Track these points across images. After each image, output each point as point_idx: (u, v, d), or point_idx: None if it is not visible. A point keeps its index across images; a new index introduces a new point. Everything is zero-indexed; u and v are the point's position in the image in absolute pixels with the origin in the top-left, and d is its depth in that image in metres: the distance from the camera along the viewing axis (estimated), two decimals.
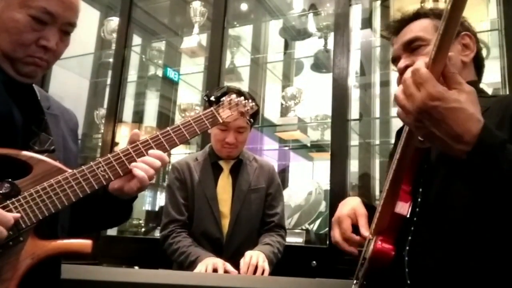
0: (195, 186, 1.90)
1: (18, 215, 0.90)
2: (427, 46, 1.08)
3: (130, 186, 1.04)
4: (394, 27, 1.17)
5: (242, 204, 1.88)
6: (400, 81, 1.09)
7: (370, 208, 1.11)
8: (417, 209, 0.93)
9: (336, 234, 1.08)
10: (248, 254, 1.69)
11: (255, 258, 1.67)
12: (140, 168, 1.02)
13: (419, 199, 0.94)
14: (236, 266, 1.68)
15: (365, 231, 1.02)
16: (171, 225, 1.86)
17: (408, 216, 0.87)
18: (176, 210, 1.88)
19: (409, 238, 0.93)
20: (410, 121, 0.77)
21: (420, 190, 0.94)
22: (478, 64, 1.12)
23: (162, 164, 1.05)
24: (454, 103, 0.72)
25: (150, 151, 1.05)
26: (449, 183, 0.92)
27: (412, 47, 1.10)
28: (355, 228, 1.06)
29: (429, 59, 0.75)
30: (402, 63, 1.11)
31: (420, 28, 1.11)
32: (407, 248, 0.92)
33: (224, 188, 1.90)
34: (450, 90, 0.74)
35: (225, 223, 1.86)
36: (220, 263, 1.66)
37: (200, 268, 1.64)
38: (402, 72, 1.10)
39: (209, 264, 1.64)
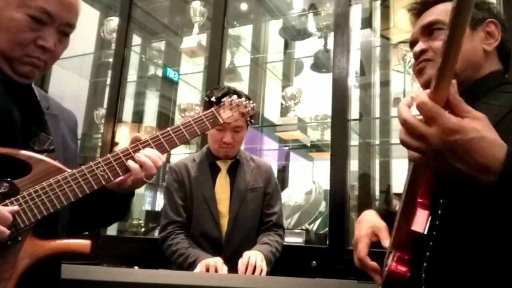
0: (193, 187, 1.90)
1: (16, 208, 0.90)
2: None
3: (126, 181, 1.04)
4: (416, 9, 1.09)
5: (240, 204, 1.88)
6: (418, 69, 1.04)
7: (389, 216, 1.08)
8: (437, 222, 0.87)
9: (355, 257, 1.06)
10: (246, 254, 1.69)
11: (253, 258, 1.67)
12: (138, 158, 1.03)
13: (439, 211, 0.87)
14: (235, 265, 1.68)
15: (386, 243, 1.00)
16: (169, 227, 1.86)
17: (425, 233, 0.81)
18: (175, 212, 1.88)
19: (427, 254, 0.87)
20: (428, 162, 0.69)
21: (441, 201, 0.87)
22: (503, 53, 1.04)
23: (156, 164, 1.05)
24: (473, 133, 0.66)
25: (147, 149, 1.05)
26: (474, 197, 0.84)
27: (431, 30, 1.03)
28: (379, 244, 1.04)
29: (432, 88, 0.68)
30: (417, 47, 1.04)
31: (442, 11, 1.02)
32: (425, 264, 0.86)
33: (222, 188, 1.90)
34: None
35: (224, 222, 1.86)
36: (220, 263, 1.66)
37: (199, 269, 1.64)
38: (417, 57, 1.05)
39: (210, 262, 1.65)
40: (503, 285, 0.79)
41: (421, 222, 0.81)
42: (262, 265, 1.67)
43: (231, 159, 1.94)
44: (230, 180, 1.92)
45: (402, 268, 0.85)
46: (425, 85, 1.02)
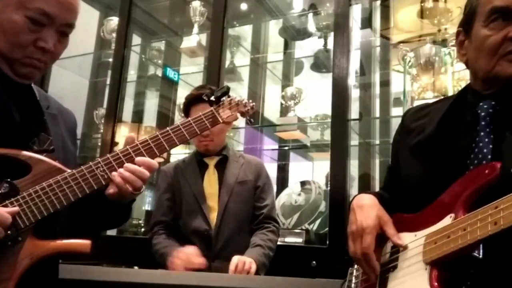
0: (182, 186, 1.93)
1: (16, 209, 0.90)
2: None
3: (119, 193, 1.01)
4: None
5: (230, 197, 1.89)
6: (500, 44, 0.91)
7: (384, 202, 1.03)
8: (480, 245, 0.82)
9: (358, 250, 0.97)
10: (236, 258, 1.67)
11: (241, 264, 1.65)
12: (120, 175, 1.00)
13: None
14: (227, 258, 1.70)
15: (397, 239, 0.94)
16: (155, 227, 1.91)
17: (481, 256, 0.77)
18: (160, 212, 1.94)
19: (471, 272, 0.82)
20: None
21: None
22: None
23: (149, 171, 1.02)
24: None
25: (137, 159, 1.02)
26: None
27: None
28: (380, 237, 0.98)
29: None
30: None
31: None
32: (468, 283, 0.82)
33: (210, 183, 1.92)
34: None
35: (213, 216, 1.87)
36: (193, 252, 1.66)
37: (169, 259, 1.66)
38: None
39: (180, 253, 1.66)
40: None
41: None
42: (252, 267, 1.66)
43: (218, 156, 1.96)
44: (218, 175, 1.93)
45: None
46: None
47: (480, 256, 0.77)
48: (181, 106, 2.17)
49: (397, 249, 0.96)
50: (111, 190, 1.01)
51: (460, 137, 0.97)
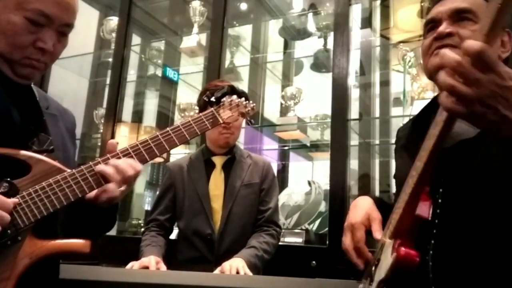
0: (186, 185, 1.89)
1: (16, 200, 0.90)
2: (475, 24, 1.00)
3: (100, 196, 1.01)
4: None
5: (235, 200, 1.85)
6: (429, 46, 1.04)
7: (383, 207, 1.07)
8: (438, 211, 0.90)
9: (347, 242, 1.03)
10: (227, 264, 1.64)
11: (234, 268, 1.62)
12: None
13: (439, 200, 0.90)
14: None
15: (378, 234, 0.99)
16: (148, 224, 1.93)
17: (430, 218, 0.82)
18: (157, 210, 1.93)
19: (432, 241, 0.89)
20: (474, 110, 0.66)
21: (441, 190, 0.90)
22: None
23: (133, 172, 1.01)
24: None
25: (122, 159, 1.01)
26: (476, 183, 0.87)
27: (461, 17, 1.02)
28: (369, 233, 1.02)
29: (485, 38, 0.67)
30: (446, 28, 1.02)
31: (475, 2, 1.03)
32: (431, 252, 0.88)
33: (216, 184, 1.88)
34: None
35: (217, 219, 1.83)
36: (153, 261, 1.64)
37: (130, 266, 1.63)
38: (441, 37, 1.02)
39: (144, 261, 1.64)
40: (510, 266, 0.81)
41: (425, 208, 0.83)
42: (246, 271, 1.63)
43: (227, 155, 1.92)
44: (224, 177, 1.89)
45: (412, 252, 0.81)
46: (437, 68, 0.99)
47: (429, 218, 0.83)
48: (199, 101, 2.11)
49: (382, 246, 1.00)
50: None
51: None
